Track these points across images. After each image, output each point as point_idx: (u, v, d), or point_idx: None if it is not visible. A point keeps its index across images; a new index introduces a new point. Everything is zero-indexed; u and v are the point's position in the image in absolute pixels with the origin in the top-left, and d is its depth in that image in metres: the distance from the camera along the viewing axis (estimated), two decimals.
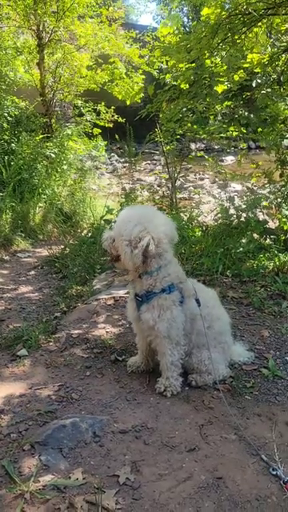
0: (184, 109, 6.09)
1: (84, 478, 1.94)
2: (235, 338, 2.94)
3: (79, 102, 9.95)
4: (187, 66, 5.43)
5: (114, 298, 3.62)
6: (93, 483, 1.91)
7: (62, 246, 5.62)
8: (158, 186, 10.46)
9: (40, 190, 7.80)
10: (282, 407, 2.44)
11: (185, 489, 1.91)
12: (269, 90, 4.68)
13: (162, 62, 6.65)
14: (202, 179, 12.54)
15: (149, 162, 14.90)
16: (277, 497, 1.88)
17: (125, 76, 10.08)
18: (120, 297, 3.64)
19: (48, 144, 8.66)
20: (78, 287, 4.16)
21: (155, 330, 2.42)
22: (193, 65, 5.39)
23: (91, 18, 9.77)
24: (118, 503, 1.82)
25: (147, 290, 2.44)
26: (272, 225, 5.31)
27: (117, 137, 9.35)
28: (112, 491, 1.87)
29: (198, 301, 2.49)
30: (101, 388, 2.60)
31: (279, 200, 5.01)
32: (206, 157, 7.58)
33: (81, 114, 10.04)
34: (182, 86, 5.65)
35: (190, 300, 2.50)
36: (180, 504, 1.83)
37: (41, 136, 8.60)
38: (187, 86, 5.57)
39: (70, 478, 1.94)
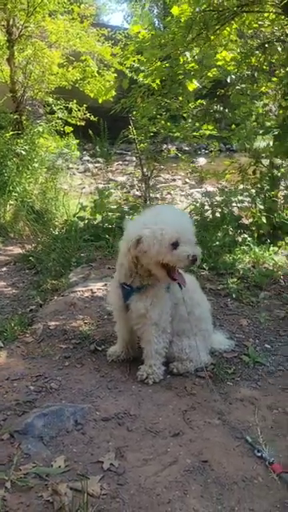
0: (158, 106, 6.09)
1: (67, 466, 1.88)
2: (215, 327, 2.94)
3: (50, 100, 9.81)
4: (159, 64, 5.43)
5: (91, 290, 3.56)
6: (76, 470, 1.86)
7: (35, 244, 5.51)
8: (131, 186, 10.44)
9: (10, 188, 7.63)
10: (263, 392, 2.45)
11: (171, 473, 1.87)
12: (243, 85, 4.73)
13: (135, 61, 6.64)
14: (174, 180, 12.58)
15: (120, 162, 14.83)
16: (263, 478, 1.87)
17: (97, 74, 10.01)
18: (97, 289, 3.58)
19: (19, 141, 8.50)
20: (54, 281, 4.06)
21: (146, 317, 2.38)
22: (166, 63, 5.40)
23: (62, 14, 9.68)
24: (103, 489, 1.77)
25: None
26: (246, 221, 5.38)
27: (90, 132, 9.26)
28: (96, 477, 1.82)
29: (179, 284, 2.46)
30: (81, 377, 2.54)
31: (254, 196, 5.07)
32: (180, 155, 7.61)
33: (52, 112, 9.91)
34: (153, 85, 5.65)
35: (173, 284, 2.48)
36: (166, 488, 1.80)
37: (11, 133, 8.43)
38: (158, 82, 5.57)
39: (52, 465, 1.87)
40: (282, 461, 1.96)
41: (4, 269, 5.17)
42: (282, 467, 1.91)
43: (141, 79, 5.87)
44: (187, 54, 5.26)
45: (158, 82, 5.63)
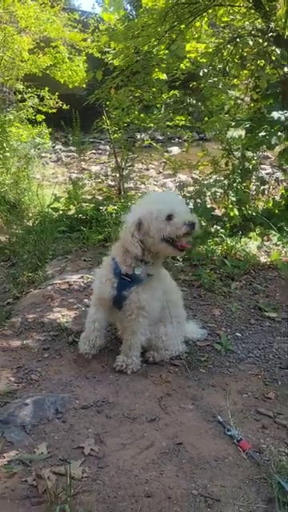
0: (131, 97, 6.13)
1: (49, 452, 1.98)
2: (188, 317, 3.06)
3: (21, 87, 9.66)
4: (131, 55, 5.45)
5: (67, 282, 3.63)
6: (58, 456, 1.96)
7: (8, 236, 5.51)
8: (105, 176, 10.43)
9: None
10: (234, 378, 2.59)
11: (147, 455, 2.00)
12: (215, 79, 4.83)
13: (104, 45, 6.64)
14: (147, 169, 12.61)
15: (94, 151, 14.75)
16: (233, 457, 2.02)
17: (67, 60, 9.92)
18: (74, 281, 3.65)
19: None
20: (30, 274, 4.12)
21: (144, 309, 2.45)
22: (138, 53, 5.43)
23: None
24: (85, 472, 1.88)
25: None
26: (219, 212, 5.52)
27: (63, 123, 9.21)
28: (78, 462, 1.92)
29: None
30: (60, 368, 2.63)
31: (226, 188, 5.20)
32: (154, 144, 7.67)
33: (23, 100, 9.76)
34: (121, 64, 5.63)
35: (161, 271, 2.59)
36: (144, 469, 1.92)
37: None
38: (122, 63, 5.57)
39: (35, 452, 1.97)
40: (251, 441, 2.11)
41: None
42: (249, 445, 2.06)
43: (111, 61, 5.86)
44: (156, 48, 5.31)
45: (121, 64, 5.64)
